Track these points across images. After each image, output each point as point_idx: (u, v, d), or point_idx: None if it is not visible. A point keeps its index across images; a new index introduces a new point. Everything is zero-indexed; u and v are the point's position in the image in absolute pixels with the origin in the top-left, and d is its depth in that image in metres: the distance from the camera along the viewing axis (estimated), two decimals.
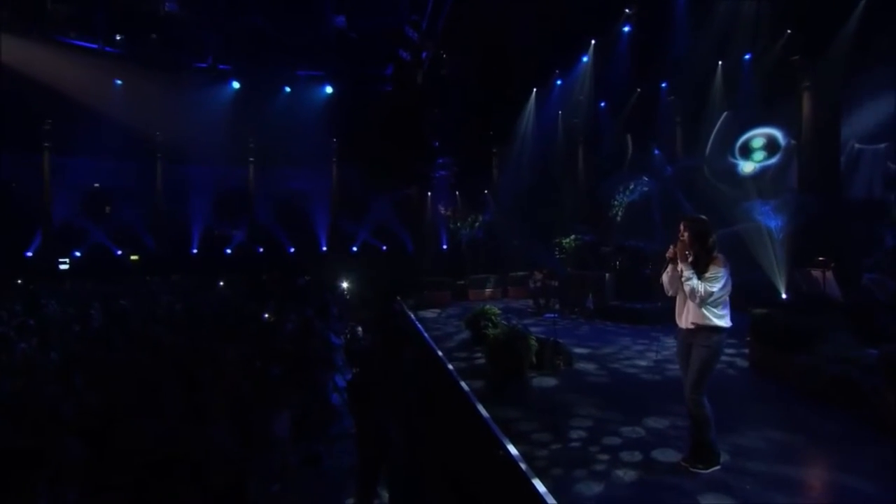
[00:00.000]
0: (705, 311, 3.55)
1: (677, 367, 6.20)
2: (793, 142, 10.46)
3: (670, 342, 7.59)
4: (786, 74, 9.21)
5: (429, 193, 19.16)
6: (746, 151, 11.90)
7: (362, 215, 20.51)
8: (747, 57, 11.50)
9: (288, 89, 19.06)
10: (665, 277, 3.79)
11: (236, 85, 18.37)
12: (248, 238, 19.49)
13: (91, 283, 13.99)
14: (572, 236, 13.04)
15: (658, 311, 9.46)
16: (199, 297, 12.07)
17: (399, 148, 18.00)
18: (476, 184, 18.48)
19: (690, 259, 3.61)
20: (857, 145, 9.21)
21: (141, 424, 3.05)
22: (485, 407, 5.13)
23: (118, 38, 16.44)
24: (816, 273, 6.51)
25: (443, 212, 18.40)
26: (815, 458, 3.89)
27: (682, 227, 3.62)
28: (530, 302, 12.07)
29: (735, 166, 11.77)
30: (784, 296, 8.03)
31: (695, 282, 3.52)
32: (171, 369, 4.63)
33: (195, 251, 18.94)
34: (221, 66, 18.02)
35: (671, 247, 3.68)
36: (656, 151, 12.79)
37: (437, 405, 6.34)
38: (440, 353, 7.56)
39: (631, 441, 4.16)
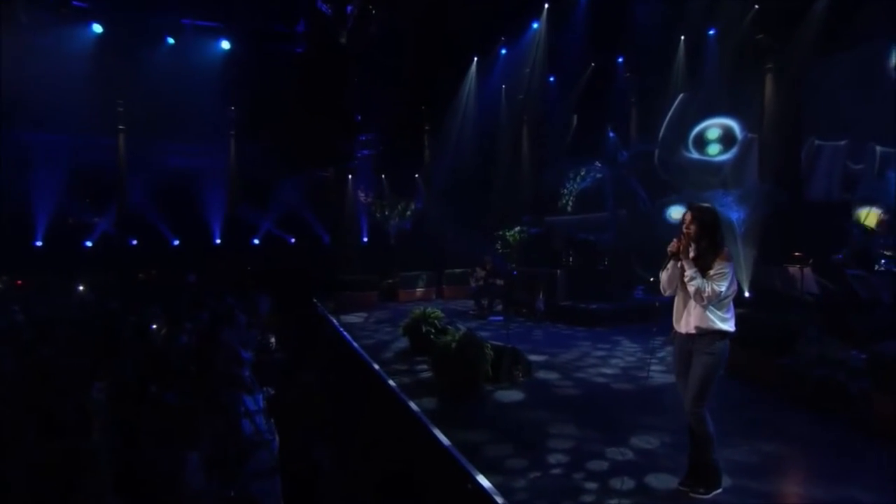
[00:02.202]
0: (709, 314, 3.53)
1: (647, 375, 6.44)
2: (750, 135, 11.19)
3: (632, 348, 7.84)
4: (750, 54, 9.79)
5: (349, 176, 18.49)
6: (701, 143, 12.59)
7: (266, 201, 19.36)
8: (711, 32, 11.96)
9: (171, 41, 17.32)
10: (664, 275, 3.74)
11: (98, 29, 16.32)
12: (116, 227, 17.59)
13: None
14: (517, 228, 13.13)
15: (615, 312, 9.80)
16: (47, 305, 10.68)
17: (313, 121, 17.12)
18: (405, 166, 18.11)
19: (693, 254, 3.58)
20: (816, 141, 10.02)
21: None
22: (441, 430, 4.86)
23: None
24: (794, 270, 6.97)
25: (363, 198, 17.83)
26: (814, 471, 4.06)
27: (688, 218, 3.57)
28: (471, 303, 11.99)
29: (687, 160, 12.38)
30: (747, 294, 8.54)
31: (700, 280, 3.48)
32: (17, 404, 3.86)
33: (40, 244, 16.76)
34: (76, 3, 15.90)
35: (674, 240, 3.61)
36: (611, 134, 13.20)
37: (379, 430, 5.97)
38: (376, 367, 7.19)
39: (619, 465, 4.10)
